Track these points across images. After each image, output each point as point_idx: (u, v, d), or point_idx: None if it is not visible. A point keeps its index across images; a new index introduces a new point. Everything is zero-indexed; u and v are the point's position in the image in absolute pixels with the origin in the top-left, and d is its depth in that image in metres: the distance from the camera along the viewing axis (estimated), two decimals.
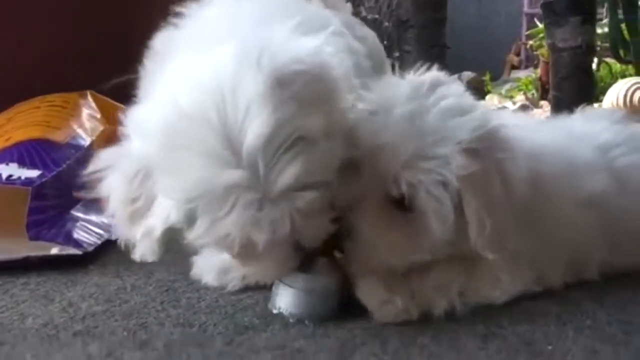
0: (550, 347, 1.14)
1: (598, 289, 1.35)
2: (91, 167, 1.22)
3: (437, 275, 1.24)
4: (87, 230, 1.69)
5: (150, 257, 1.21)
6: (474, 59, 5.59)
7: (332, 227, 1.17)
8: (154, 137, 1.10)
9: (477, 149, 1.16)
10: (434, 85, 1.21)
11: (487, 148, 1.17)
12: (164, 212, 1.13)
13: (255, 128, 1.04)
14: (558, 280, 1.34)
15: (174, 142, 1.08)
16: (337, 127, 1.14)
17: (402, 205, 1.18)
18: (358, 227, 1.19)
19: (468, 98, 1.24)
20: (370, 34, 1.82)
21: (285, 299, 1.25)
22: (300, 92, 1.09)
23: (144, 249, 1.21)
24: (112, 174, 1.20)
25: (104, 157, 1.22)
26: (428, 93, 1.20)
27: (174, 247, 1.59)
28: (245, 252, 1.13)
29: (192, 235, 1.13)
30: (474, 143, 1.16)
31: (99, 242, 1.67)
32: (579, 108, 1.70)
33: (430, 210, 1.16)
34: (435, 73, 1.24)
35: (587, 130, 1.50)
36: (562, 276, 1.34)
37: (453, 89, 1.22)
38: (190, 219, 1.10)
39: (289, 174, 1.05)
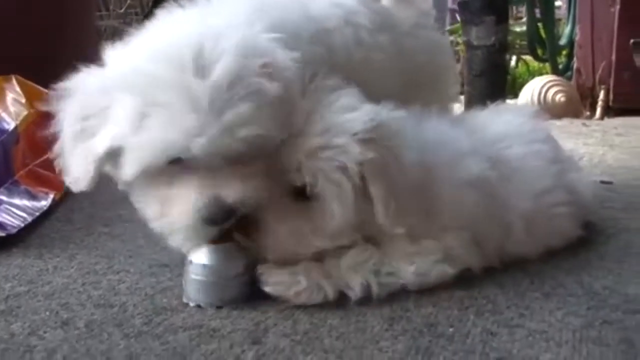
0: (451, 329, 1.21)
1: (501, 276, 1.42)
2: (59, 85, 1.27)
3: (351, 255, 1.31)
4: (10, 213, 1.71)
5: (82, 183, 1.24)
6: None
7: (257, 197, 1.23)
8: (124, 62, 1.22)
9: (372, 138, 1.26)
10: (332, 88, 1.30)
11: (380, 137, 1.26)
12: (112, 131, 1.19)
13: (224, 65, 1.16)
14: (471, 261, 1.41)
15: (147, 64, 1.19)
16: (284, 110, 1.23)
17: (304, 195, 1.26)
18: (263, 217, 1.27)
19: (360, 97, 1.33)
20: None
21: (194, 290, 1.30)
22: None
23: (78, 173, 1.24)
24: (73, 95, 1.25)
25: (70, 80, 1.26)
26: (326, 94, 1.29)
27: (97, 230, 1.65)
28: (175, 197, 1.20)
29: (137, 143, 1.17)
30: (368, 133, 1.25)
31: (22, 225, 1.69)
32: (491, 103, 1.77)
33: (330, 194, 1.25)
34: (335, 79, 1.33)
35: (483, 123, 1.59)
36: (473, 257, 1.41)
37: (347, 91, 1.31)
38: (137, 123, 1.16)
39: (236, 113, 1.15)
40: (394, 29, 1.62)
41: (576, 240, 1.62)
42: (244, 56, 1.19)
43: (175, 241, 1.30)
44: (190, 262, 1.29)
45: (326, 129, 1.26)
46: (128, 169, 1.19)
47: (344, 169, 1.24)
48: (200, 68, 1.16)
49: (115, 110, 1.18)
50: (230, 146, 1.15)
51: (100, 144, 1.20)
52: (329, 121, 1.26)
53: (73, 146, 1.23)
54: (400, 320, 1.24)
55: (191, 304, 1.29)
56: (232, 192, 1.20)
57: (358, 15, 1.52)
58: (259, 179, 1.23)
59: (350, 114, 1.27)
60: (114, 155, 1.20)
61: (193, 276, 1.29)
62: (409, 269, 1.34)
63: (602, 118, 3.74)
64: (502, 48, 3.59)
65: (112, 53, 1.26)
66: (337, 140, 1.25)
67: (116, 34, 4.33)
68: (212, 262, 1.28)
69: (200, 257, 1.29)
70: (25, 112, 1.95)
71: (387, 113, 1.30)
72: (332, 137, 1.25)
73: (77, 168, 1.23)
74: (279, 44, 1.26)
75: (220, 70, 1.16)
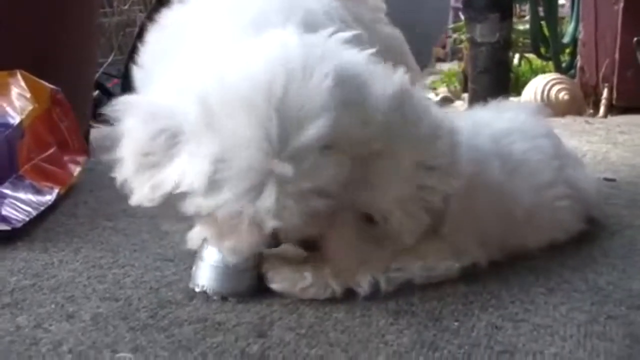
0: (456, 323, 1.21)
1: (505, 272, 1.42)
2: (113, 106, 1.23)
3: (361, 252, 1.31)
4: (15, 208, 1.71)
5: (147, 203, 1.22)
6: None
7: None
8: (199, 102, 1.14)
9: (456, 169, 1.28)
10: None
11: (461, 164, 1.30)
12: (181, 172, 1.16)
13: (314, 129, 1.09)
14: (477, 256, 1.41)
15: (224, 110, 1.12)
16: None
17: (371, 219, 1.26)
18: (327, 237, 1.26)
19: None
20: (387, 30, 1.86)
21: (205, 276, 1.30)
22: (351, 97, 1.14)
23: (143, 197, 1.22)
24: (130, 118, 1.22)
25: (123, 101, 1.23)
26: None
27: (102, 224, 1.66)
28: (234, 228, 1.18)
29: (206, 203, 1.15)
30: (452, 165, 1.27)
31: (27, 219, 1.69)
32: (495, 100, 1.78)
33: (407, 227, 1.25)
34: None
35: (487, 120, 1.60)
36: (479, 252, 1.41)
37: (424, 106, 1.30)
38: (210, 186, 1.13)
39: (318, 177, 1.11)
40: (361, 22, 1.61)
41: (580, 236, 1.63)
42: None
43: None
44: (207, 247, 1.29)
45: (414, 165, 1.24)
46: (191, 210, 1.19)
47: (428, 205, 1.25)
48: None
49: (183, 156, 1.17)
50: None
51: (168, 182, 1.18)
52: (416, 156, 1.24)
53: (135, 174, 1.21)
54: (406, 315, 1.24)
55: (197, 289, 1.30)
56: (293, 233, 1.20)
57: (338, 10, 1.51)
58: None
59: (435, 142, 1.26)
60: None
61: (206, 261, 1.29)
62: (417, 264, 1.34)
63: (605, 116, 3.74)
64: (506, 45, 3.61)
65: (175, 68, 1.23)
66: (428, 181, 1.25)
67: (119, 32, 4.37)
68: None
69: None
70: (30, 107, 1.95)
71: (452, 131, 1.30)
72: (423, 178, 1.24)
73: (141, 195, 1.22)
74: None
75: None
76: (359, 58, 1.22)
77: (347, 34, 1.27)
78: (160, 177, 1.18)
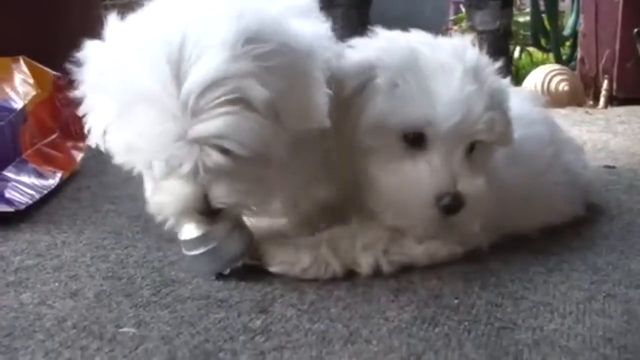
0: (456, 301, 1.22)
1: (505, 253, 1.43)
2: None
3: (362, 236, 1.32)
4: (18, 190, 1.73)
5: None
6: None
7: (243, 200, 1.21)
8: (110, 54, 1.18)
9: None
10: None
11: None
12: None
13: (199, 71, 1.09)
14: (480, 240, 1.41)
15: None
16: (296, 114, 1.18)
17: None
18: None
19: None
20: None
21: (193, 263, 1.32)
22: (264, 60, 1.13)
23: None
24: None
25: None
26: None
27: (105, 207, 1.67)
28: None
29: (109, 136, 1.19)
30: None
31: (31, 202, 1.71)
32: None
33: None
34: None
35: None
36: (482, 236, 1.41)
37: None
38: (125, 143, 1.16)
39: (208, 126, 1.10)
40: None
41: (580, 220, 1.65)
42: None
43: None
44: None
45: None
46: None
47: None
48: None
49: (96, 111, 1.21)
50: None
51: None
52: None
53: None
54: (406, 292, 1.25)
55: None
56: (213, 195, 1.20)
57: None
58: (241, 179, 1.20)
59: None
60: None
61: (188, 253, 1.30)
62: (419, 248, 1.35)
63: (605, 107, 3.75)
64: (506, 33, 3.61)
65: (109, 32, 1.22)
66: None
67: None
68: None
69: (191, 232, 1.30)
70: (33, 93, 1.97)
71: None
72: None
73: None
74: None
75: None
76: (303, 28, 1.23)
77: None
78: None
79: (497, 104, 1.32)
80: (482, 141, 1.30)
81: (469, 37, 1.41)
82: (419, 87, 1.27)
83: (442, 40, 1.39)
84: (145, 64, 1.12)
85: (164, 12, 1.19)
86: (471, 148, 1.30)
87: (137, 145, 1.14)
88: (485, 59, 1.37)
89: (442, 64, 1.28)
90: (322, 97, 1.19)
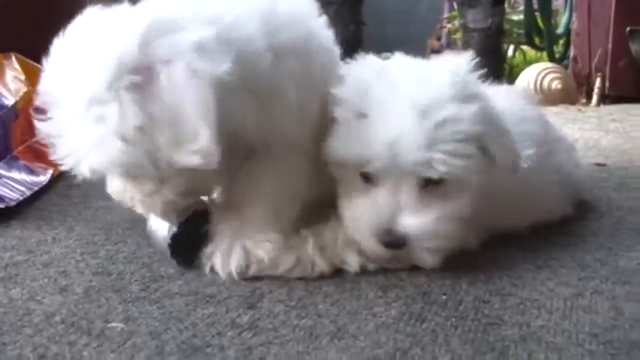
0: (444, 297, 1.23)
1: (493, 249, 1.44)
2: None
3: (344, 230, 1.32)
4: (9, 187, 1.73)
5: None
6: (396, 42, 5.64)
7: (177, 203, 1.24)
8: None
9: None
10: None
11: None
12: None
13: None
14: (470, 239, 1.42)
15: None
16: None
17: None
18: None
19: None
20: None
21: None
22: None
23: None
24: None
25: None
26: None
27: (95, 204, 1.67)
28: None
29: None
30: None
31: (21, 198, 1.71)
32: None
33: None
34: None
35: None
36: (472, 235, 1.43)
37: None
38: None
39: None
40: None
41: (570, 217, 1.65)
42: None
43: None
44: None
45: None
46: None
47: None
48: None
49: None
50: None
51: None
52: None
53: None
54: (394, 289, 1.26)
55: None
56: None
57: None
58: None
59: None
60: None
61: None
62: None
63: (598, 105, 3.76)
64: (498, 31, 3.62)
65: None
66: None
67: None
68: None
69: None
70: (24, 89, 1.97)
71: None
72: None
73: None
74: None
75: None
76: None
77: None
78: None
79: (453, 137, 1.24)
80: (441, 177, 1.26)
81: (465, 56, 1.35)
82: (363, 124, 1.26)
83: (414, 66, 1.36)
84: None
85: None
86: (431, 182, 1.27)
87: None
88: (469, 85, 1.30)
89: (385, 99, 1.25)
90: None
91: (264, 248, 1.28)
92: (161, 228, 1.36)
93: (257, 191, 1.29)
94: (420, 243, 1.27)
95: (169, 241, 1.33)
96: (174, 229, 1.32)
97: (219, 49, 1.09)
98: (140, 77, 1.05)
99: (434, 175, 1.24)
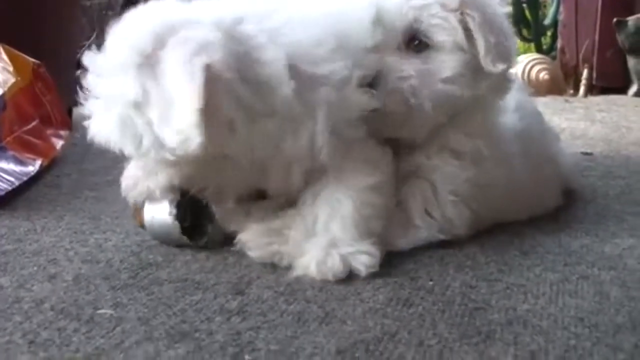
0: (431, 283, 1.24)
1: (480, 236, 1.46)
2: None
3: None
4: None
5: None
6: None
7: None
8: None
9: None
10: None
11: None
12: None
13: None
14: (464, 231, 1.43)
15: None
16: None
17: None
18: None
19: None
20: None
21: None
22: None
23: None
24: None
25: None
26: None
27: (84, 194, 1.67)
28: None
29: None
30: None
31: (10, 188, 1.71)
32: None
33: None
34: None
35: None
36: (466, 227, 1.43)
37: None
38: None
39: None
40: None
41: (557, 205, 1.66)
42: None
43: None
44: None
45: None
46: None
47: None
48: None
49: None
50: None
51: None
52: None
53: None
54: (382, 275, 1.27)
55: None
56: None
57: None
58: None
59: None
60: None
61: None
62: (400, 240, 1.38)
63: (585, 96, 3.78)
64: None
65: None
66: None
67: (101, 12, 4.37)
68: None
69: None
70: (12, 80, 1.96)
71: None
72: None
73: None
74: None
75: None
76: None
77: None
78: None
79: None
80: None
81: None
82: None
83: None
84: None
85: None
86: None
87: None
88: None
89: None
90: None
91: (361, 260, 1.28)
92: (158, 214, 1.35)
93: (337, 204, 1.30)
94: None
95: (176, 221, 1.34)
96: (174, 210, 1.33)
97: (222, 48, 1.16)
98: (145, 60, 1.15)
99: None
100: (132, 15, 1.23)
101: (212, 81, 1.11)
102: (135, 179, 1.30)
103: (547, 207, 1.64)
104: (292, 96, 1.19)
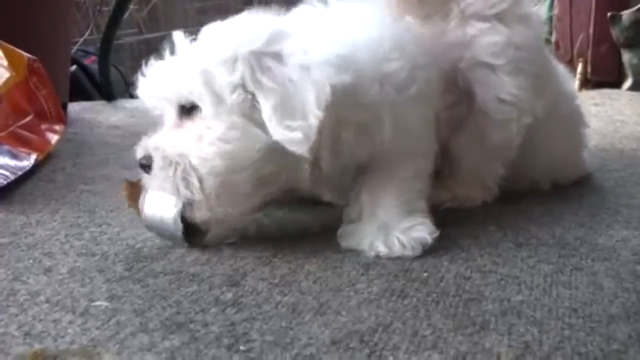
0: (425, 274, 1.24)
1: (474, 229, 1.46)
2: None
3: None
4: None
5: None
6: None
7: None
8: None
9: None
10: None
11: None
12: None
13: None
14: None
15: None
16: None
17: None
18: None
19: None
20: None
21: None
22: None
23: None
24: None
25: None
26: None
27: (79, 188, 1.67)
28: None
29: None
30: None
31: (5, 182, 1.71)
32: None
33: None
34: None
35: None
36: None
37: None
38: None
39: None
40: None
41: (550, 197, 1.68)
42: None
43: None
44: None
45: None
46: None
47: None
48: None
49: None
50: None
51: None
52: None
53: None
54: (376, 267, 1.27)
55: None
56: None
57: None
58: None
59: None
60: None
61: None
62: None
63: (580, 90, 3.77)
64: None
65: None
66: None
67: (95, 8, 4.38)
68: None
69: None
70: (7, 75, 1.96)
71: None
72: None
73: None
74: None
75: None
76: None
77: None
78: None
79: None
80: None
81: None
82: None
83: None
84: None
85: None
86: None
87: None
88: None
89: None
90: None
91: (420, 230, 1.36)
92: (166, 212, 1.32)
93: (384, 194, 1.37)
94: None
95: (180, 222, 1.32)
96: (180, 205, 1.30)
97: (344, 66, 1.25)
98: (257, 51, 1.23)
99: None
100: (241, 18, 1.31)
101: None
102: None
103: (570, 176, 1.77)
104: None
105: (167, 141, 1.27)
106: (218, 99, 1.22)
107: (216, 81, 1.22)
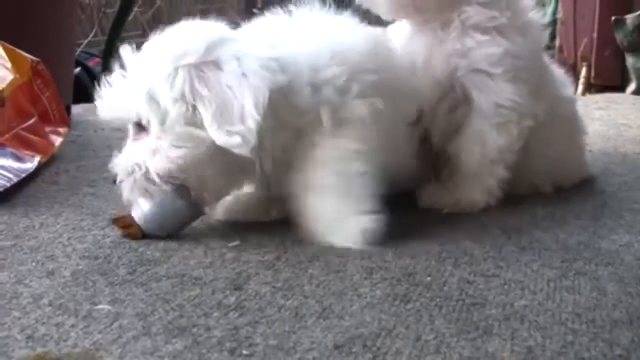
0: (429, 278, 1.24)
1: (477, 233, 1.47)
2: None
3: None
4: None
5: None
6: None
7: None
8: None
9: None
10: None
11: None
12: None
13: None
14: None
15: None
16: None
17: None
18: None
19: None
20: None
21: (137, 214, 1.41)
22: None
23: None
24: None
25: None
26: None
27: (82, 190, 1.67)
28: None
29: None
30: None
31: (8, 184, 1.70)
32: None
33: None
34: None
35: None
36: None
37: None
38: None
39: None
40: None
41: (553, 201, 1.68)
42: None
43: None
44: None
45: None
46: None
47: None
48: None
49: None
50: None
51: None
52: None
53: None
54: (379, 271, 1.27)
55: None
56: None
57: None
58: None
59: None
60: None
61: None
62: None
63: (583, 94, 3.77)
64: None
65: None
66: None
67: (100, 10, 4.38)
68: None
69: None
70: (10, 77, 1.96)
71: None
72: None
73: None
74: None
75: None
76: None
77: None
78: None
79: None
80: None
81: None
82: None
83: None
84: None
85: None
86: None
87: None
88: None
89: None
90: None
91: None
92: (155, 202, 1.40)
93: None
94: None
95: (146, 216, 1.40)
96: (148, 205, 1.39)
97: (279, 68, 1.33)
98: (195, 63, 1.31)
99: None
100: (180, 27, 1.39)
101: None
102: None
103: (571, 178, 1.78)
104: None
105: (126, 155, 1.38)
106: (163, 114, 1.32)
107: (160, 97, 1.32)
